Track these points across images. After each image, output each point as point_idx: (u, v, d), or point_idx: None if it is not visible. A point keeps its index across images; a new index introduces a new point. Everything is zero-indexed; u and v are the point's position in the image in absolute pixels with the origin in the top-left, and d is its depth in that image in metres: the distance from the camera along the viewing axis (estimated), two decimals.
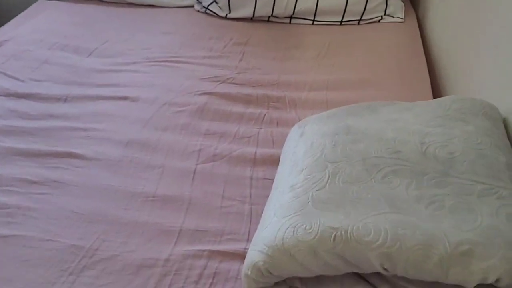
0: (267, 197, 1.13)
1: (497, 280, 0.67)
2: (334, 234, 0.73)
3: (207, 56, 1.74)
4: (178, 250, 1.01)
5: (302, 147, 0.97)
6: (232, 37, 1.86)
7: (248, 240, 1.03)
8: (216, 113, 1.44)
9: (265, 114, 1.46)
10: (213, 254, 1.00)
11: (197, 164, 1.25)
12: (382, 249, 0.70)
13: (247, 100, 1.51)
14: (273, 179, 1.18)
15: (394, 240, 0.70)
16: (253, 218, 1.09)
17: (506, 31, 1.10)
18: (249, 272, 0.77)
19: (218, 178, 1.21)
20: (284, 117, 1.45)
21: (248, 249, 0.98)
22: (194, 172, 1.22)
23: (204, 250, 1.01)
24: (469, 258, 0.68)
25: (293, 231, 0.75)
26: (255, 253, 0.78)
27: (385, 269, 0.71)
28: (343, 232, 0.73)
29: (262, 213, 1.09)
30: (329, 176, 0.84)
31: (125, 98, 1.50)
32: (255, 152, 1.29)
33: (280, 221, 0.79)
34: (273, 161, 1.24)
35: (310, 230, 0.74)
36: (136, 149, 1.28)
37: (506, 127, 1.02)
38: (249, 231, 1.06)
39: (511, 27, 1.08)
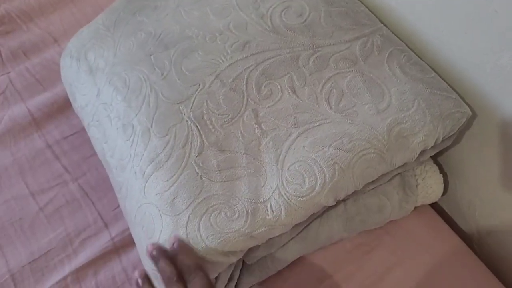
0: (90, 158, 0.85)
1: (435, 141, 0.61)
2: (268, 207, 0.53)
3: None
4: None
5: (112, 91, 0.66)
6: None
7: (106, 226, 0.79)
8: None
9: None
10: (79, 272, 0.74)
11: None
12: (327, 187, 0.54)
13: None
14: (76, 134, 0.89)
15: (330, 167, 0.55)
16: (91, 193, 0.82)
17: None
18: None
19: (5, 173, 0.85)
20: (29, 41, 1.04)
21: (115, 237, 0.75)
22: None
23: (65, 277, 0.73)
24: (404, 139, 0.58)
25: (211, 225, 0.53)
26: None
27: (338, 198, 0.58)
28: (277, 198, 0.54)
29: (98, 184, 0.82)
30: (197, 127, 0.59)
31: None
32: (28, 109, 0.93)
33: (179, 218, 0.55)
34: (61, 109, 0.92)
35: (236, 215, 0.53)
36: None
37: None
38: (99, 214, 0.80)
39: None
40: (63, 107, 0.92)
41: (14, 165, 0.85)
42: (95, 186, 0.83)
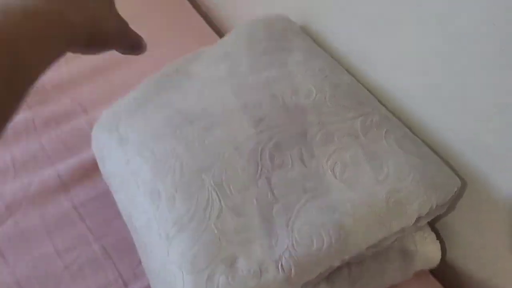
0: (113, 220, 0.92)
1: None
2: (279, 266, 0.60)
3: None
4: None
5: (140, 161, 0.75)
6: None
7: (126, 284, 0.84)
8: None
9: (32, 118, 1.12)
10: None
11: None
12: (333, 248, 0.62)
13: None
14: (101, 197, 0.96)
15: (335, 230, 0.62)
16: (113, 253, 0.87)
17: None
18: None
19: (34, 233, 0.92)
20: (60, 111, 1.14)
21: None
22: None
23: None
24: (402, 206, 0.66)
25: (228, 283, 0.59)
26: None
27: (343, 259, 0.65)
28: (287, 257, 0.60)
29: (120, 244, 0.88)
30: (216, 193, 0.67)
31: None
32: (57, 172, 1.01)
33: (200, 276, 0.61)
34: (88, 173, 1.00)
35: (251, 274, 0.58)
36: None
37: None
38: (120, 274, 0.86)
39: None
40: (89, 171, 1.00)
41: (43, 225, 0.92)
42: (117, 247, 0.89)
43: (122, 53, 0.44)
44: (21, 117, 1.12)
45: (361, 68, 0.88)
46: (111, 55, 1.24)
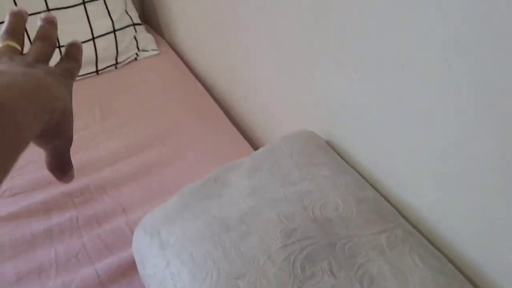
0: None
1: None
2: None
3: None
4: None
5: (179, 264, 0.81)
6: None
7: None
8: (14, 249, 1.12)
9: (76, 217, 1.21)
10: None
11: None
12: None
13: (45, 209, 1.23)
14: None
15: None
16: None
17: (280, 42, 1.14)
18: None
19: None
20: (102, 211, 1.23)
21: None
22: None
23: None
24: None
25: None
26: None
27: None
28: None
29: None
30: None
31: None
32: (96, 271, 1.06)
33: None
34: (125, 273, 1.05)
35: None
36: None
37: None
38: None
39: (279, 39, 1.12)
40: (126, 270, 1.06)
41: None
42: None
43: (50, 170, 0.44)
44: (67, 216, 1.21)
45: (384, 182, 0.95)
46: (152, 160, 1.35)
